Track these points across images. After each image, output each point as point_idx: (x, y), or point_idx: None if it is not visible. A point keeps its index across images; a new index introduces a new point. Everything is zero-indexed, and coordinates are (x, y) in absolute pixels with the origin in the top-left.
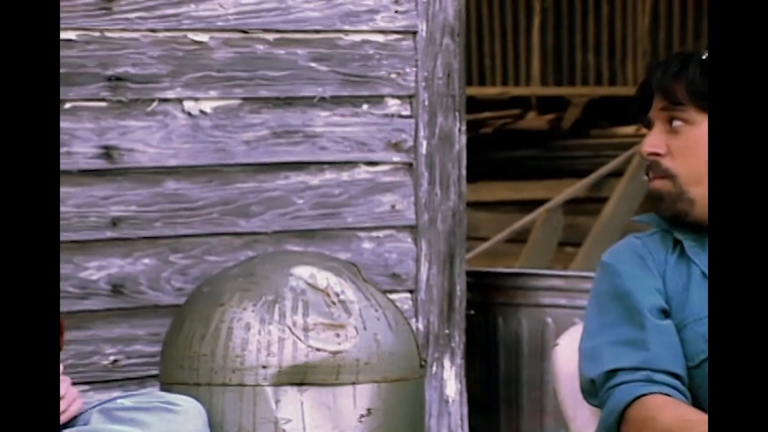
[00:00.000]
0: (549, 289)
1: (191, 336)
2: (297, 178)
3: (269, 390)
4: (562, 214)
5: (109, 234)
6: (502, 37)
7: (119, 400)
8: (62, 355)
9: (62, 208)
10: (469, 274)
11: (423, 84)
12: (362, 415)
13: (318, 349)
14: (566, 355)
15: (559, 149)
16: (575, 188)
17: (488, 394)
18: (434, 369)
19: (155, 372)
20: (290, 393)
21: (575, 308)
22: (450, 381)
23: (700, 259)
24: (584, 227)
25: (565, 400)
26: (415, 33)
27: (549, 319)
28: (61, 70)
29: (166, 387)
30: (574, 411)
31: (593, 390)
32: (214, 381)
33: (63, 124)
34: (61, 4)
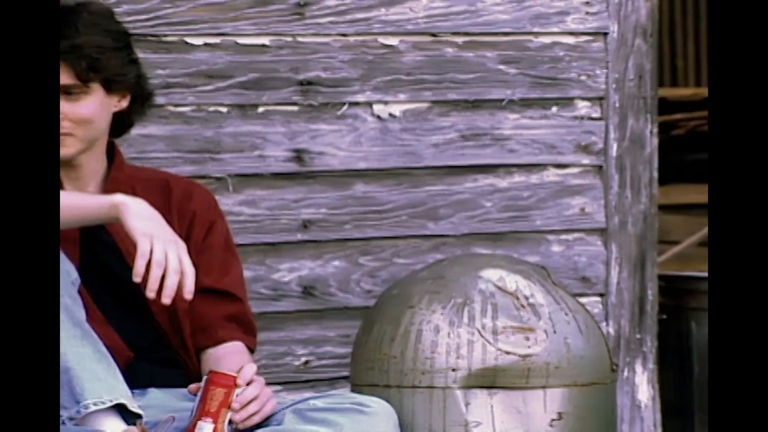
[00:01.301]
0: None
1: (381, 338)
2: (485, 180)
3: (459, 393)
4: None
5: (300, 236)
6: (695, 37)
7: (311, 401)
8: (255, 356)
9: (255, 211)
10: (661, 278)
11: (614, 86)
12: (553, 420)
13: (507, 353)
14: None
15: None
16: None
17: (682, 400)
18: (626, 374)
19: (345, 373)
20: (480, 396)
21: None
22: (642, 386)
23: None
24: None
25: None
26: (606, 34)
27: None
28: (254, 75)
29: (357, 388)
30: None
31: None
32: (404, 383)
33: (256, 128)
34: (256, 10)
